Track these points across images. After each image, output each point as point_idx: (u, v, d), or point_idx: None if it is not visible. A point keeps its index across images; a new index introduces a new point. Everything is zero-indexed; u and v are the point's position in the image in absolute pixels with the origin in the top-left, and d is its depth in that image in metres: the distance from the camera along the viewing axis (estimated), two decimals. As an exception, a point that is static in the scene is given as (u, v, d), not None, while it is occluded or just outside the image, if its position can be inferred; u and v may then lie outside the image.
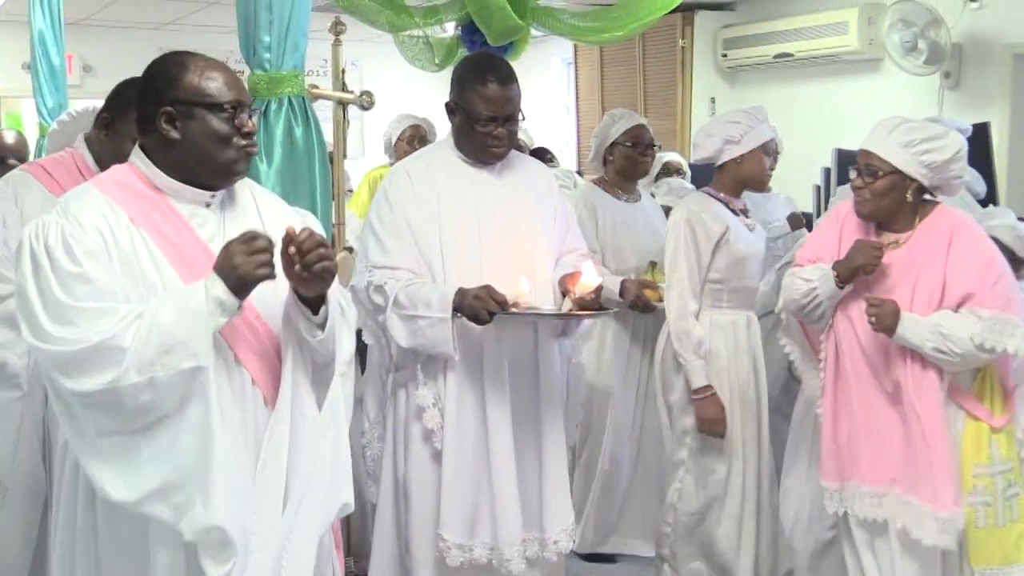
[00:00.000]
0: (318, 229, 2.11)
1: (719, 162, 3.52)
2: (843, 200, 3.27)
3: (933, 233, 2.91)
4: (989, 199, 5.95)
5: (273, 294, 2.06)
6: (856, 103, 7.05)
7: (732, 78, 8.21)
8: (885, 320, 2.78)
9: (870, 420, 2.91)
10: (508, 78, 2.88)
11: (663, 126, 8.11)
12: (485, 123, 2.84)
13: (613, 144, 4.26)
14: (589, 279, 2.74)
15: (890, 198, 2.90)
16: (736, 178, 3.53)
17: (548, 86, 10.13)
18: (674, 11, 7.84)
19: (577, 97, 9.41)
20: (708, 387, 3.42)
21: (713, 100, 8.25)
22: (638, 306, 3.81)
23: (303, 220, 2.22)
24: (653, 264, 3.89)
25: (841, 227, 3.07)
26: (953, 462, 2.80)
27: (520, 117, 2.90)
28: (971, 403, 2.84)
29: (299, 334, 2.08)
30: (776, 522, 3.49)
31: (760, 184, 3.59)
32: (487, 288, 2.68)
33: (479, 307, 2.68)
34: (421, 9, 7.02)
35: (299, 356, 2.09)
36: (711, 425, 3.44)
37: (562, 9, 7.24)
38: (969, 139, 5.86)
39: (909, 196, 2.89)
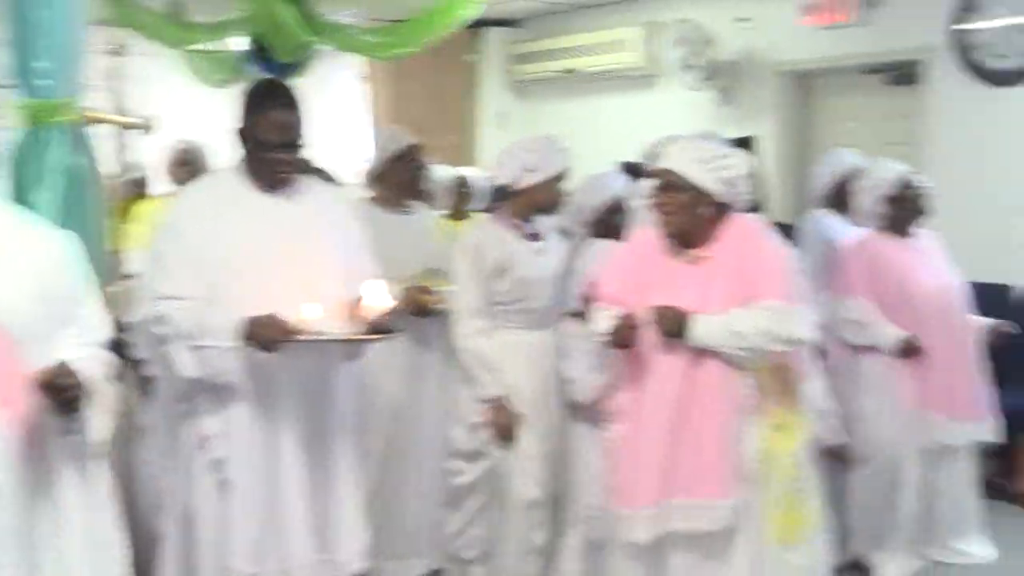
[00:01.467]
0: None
1: (516, 188, 3.58)
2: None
3: (733, 242, 3.04)
4: (758, 207, 6.33)
5: None
6: (638, 116, 7.36)
7: (521, 93, 8.42)
8: (668, 324, 2.90)
9: (662, 433, 3.02)
10: (291, 104, 2.89)
11: (455, 141, 8.24)
12: (270, 149, 2.84)
13: (389, 160, 4.28)
14: (373, 301, 2.78)
15: (690, 213, 3.01)
16: (529, 203, 3.61)
17: (342, 102, 10.06)
18: (464, 27, 8.03)
19: (375, 111, 9.39)
20: (499, 397, 3.52)
21: (503, 115, 8.43)
22: (415, 311, 3.85)
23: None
24: (430, 271, 3.91)
25: (640, 255, 3.17)
26: (732, 455, 2.95)
27: (300, 142, 2.90)
28: (757, 398, 3.00)
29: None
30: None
31: (553, 209, 3.69)
32: (272, 316, 2.68)
33: (264, 335, 2.69)
34: (207, 25, 6.90)
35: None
36: (501, 432, 3.53)
37: (352, 25, 7.26)
38: (739, 149, 6.24)
39: (706, 211, 3.01)
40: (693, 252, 3.05)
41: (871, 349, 4.23)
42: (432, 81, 8.71)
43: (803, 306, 3.04)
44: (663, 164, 3.06)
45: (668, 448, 2.98)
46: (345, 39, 7.18)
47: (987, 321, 4.34)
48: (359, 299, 2.83)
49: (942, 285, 4.26)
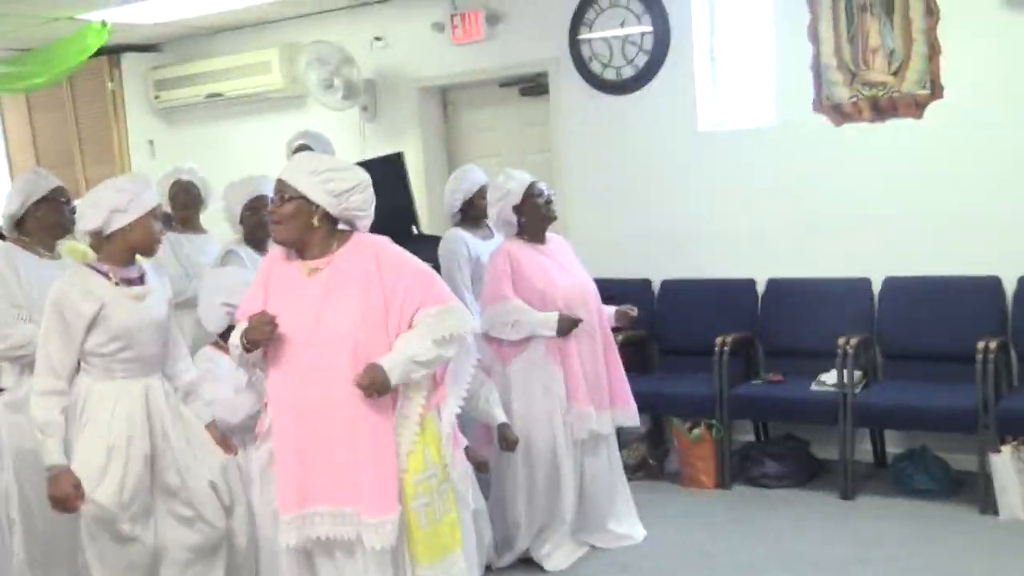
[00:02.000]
0: None
1: (107, 232, 3.45)
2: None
3: (355, 255, 3.11)
4: (408, 221, 6.50)
5: None
6: (287, 138, 7.34)
7: (168, 119, 8.19)
8: (379, 387, 2.96)
9: (319, 447, 3.07)
10: None
11: (101, 172, 7.90)
12: None
13: (34, 204, 4.08)
14: None
15: (299, 222, 3.08)
16: (125, 246, 3.49)
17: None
18: (99, 54, 7.73)
19: (7, 145, 8.85)
20: (58, 466, 3.33)
21: (152, 142, 8.18)
22: None
23: None
24: None
25: (268, 274, 3.22)
26: (390, 470, 3.04)
27: None
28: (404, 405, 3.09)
29: None
30: None
31: (150, 249, 3.57)
32: None
33: None
34: None
35: None
36: (60, 503, 3.34)
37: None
38: (384, 167, 6.37)
39: (316, 222, 3.08)
40: (309, 263, 3.13)
41: (522, 352, 4.46)
42: (72, 111, 8.32)
43: (456, 301, 3.17)
44: (278, 175, 3.15)
45: (305, 458, 3.07)
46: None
47: (612, 308, 4.67)
48: None
49: (577, 285, 4.53)
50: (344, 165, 3.19)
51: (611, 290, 5.29)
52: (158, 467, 3.46)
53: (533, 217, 4.54)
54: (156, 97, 7.98)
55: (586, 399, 4.44)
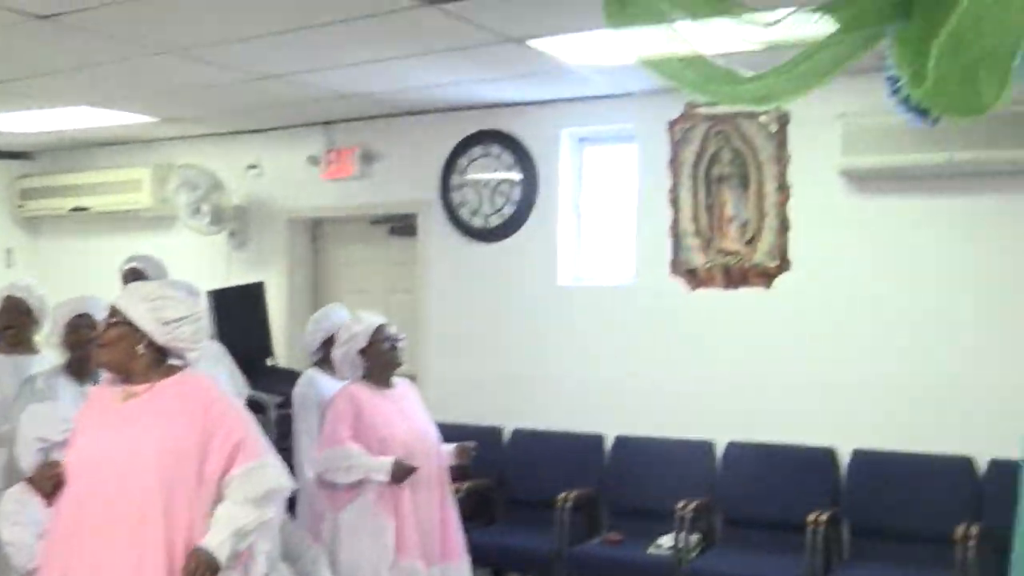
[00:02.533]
0: None
1: None
2: None
3: (180, 390, 3.02)
4: (263, 351, 6.39)
5: None
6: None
7: (32, 229, 7.99)
8: (210, 570, 2.85)
9: None
10: None
11: (-44, 277, 7.63)
12: None
13: None
14: None
15: (122, 347, 3.00)
16: None
17: None
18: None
19: None
20: None
21: (10, 251, 7.94)
22: None
23: None
24: None
25: (96, 395, 3.12)
26: None
27: None
28: None
29: None
30: None
31: None
32: None
33: None
34: None
35: None
36: None
37: None
38: (244, 295, 6.27)
39: (141, 349, 2.99)
40: (129, 388, 3.02)
41: (354, 500, 4.32)
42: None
43: (270, 456, 3.07)
44: (112, 300, 3.07)
45: None
46: None
47: (451, 446, 4.57)
48: None
49: (418, 432, 4.42)
50: (180, 296, 3.11)
51: (460, 436, 5.23)
52: None
53: (378, 361, 4.46)
54: (20, 206, 7.79)
55: (415, 552, 4.28)
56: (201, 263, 7.10)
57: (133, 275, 5.34)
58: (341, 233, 7.06)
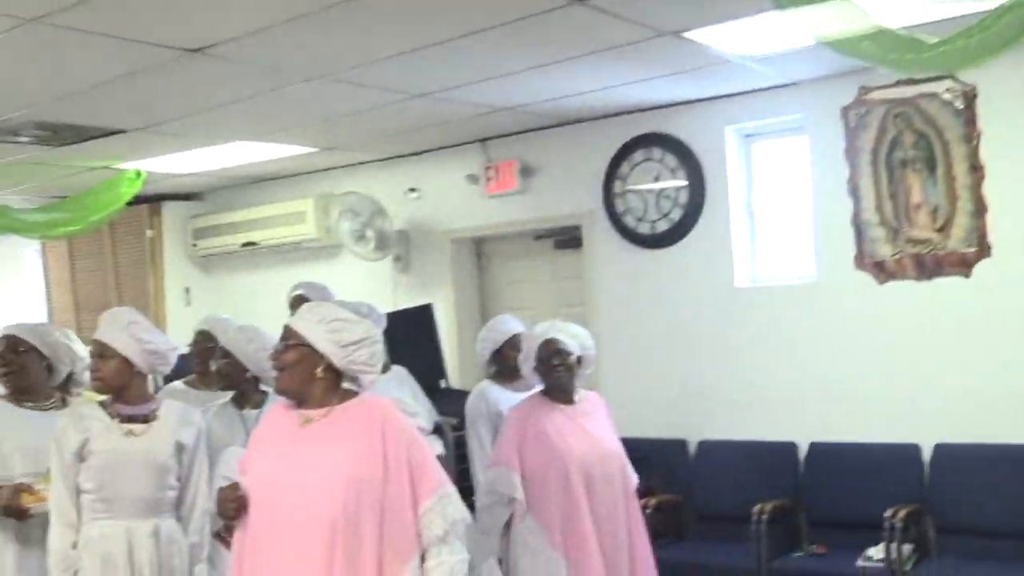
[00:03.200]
0: None
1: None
2: None
3: (358, 414, 2.93)
4: (437, 374, 6.33)
5: None
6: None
7: (205, 267, 8.20)
8: None
9: None
10: None
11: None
12: None
13: None
14: None
15: (299, 370, 2.92)
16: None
17: (19, 278, 9.49)
18: (140, 201, 7.80)
19: (47, 289, 8.90)
20: None
21: (188, 290, 8.16)
22: (11, 512, 3.58)
23: None
24: (49, 471, 3.66)
25: (271, 420, 3.06)
26: None
27: None
28: None
29: None
30: None
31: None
32: None
33: None
34: None
35: None
36: None
37: (5, 205, 6.87)
38: (413, 318, 6.22)
39: (319, 372, 2.91)
40: (306, 412, 2.94)
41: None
42: (111, 256, 8.36)
43: (449, 485, 2.96)
44: (287, 322, 2.99)
45: None
46: (8, 221, 6.81)
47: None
48: None
49: (599, 452, 4.15)
50: (354, 317, 3.01)
51: (644, 450, 5.08)
52: None
53: (544, 376, 4.31)
54: (194, 245, 8.01)
55: None
56: (368, 289, 7.12)
57: (300, 303, 5.36)
58: (505, 250, 6.97)
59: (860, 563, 4.76)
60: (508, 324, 4.93)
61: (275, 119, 5.70)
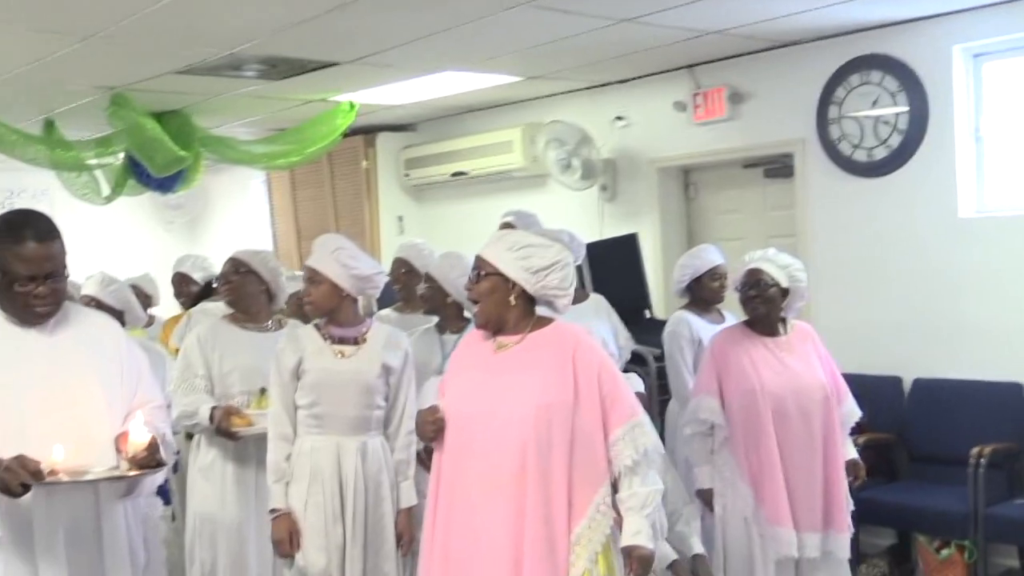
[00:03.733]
0: None
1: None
2: None
3: (552, 339, 2.95)
4: (640, 304, 6.29)
5: None
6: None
7: (417, 196, 8.40)
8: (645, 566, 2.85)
9: (475, 532, 2.91)
10: (46, 235, 2.77)
11: (358, 244, 8.18)
12: (24, 282, 2.73)
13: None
14: (137, 436, 2.68)
15: (494, 299, 2.93)
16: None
17: (247, 207, 10.04)
18: (356, 133, 8.06)
19: (272, 217, 9.35)
20: (276, 509, 3.57)
21: (401, 218, 8.39)
22: (222, 433, 3.81)
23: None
24: (263, 390, 3.86)
25: (467, 344, 3.13)
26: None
27: (60, 273, 2.78)
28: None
29: None
30: None
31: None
32: (18, 459, 2.54)
33: (9, 479, 2.54)
34: (89, 142, 6.85)
35: None
36: (276, 546, 3.58)
37: (232, 138, 7.23)
38: (618, 248, 6.20)
39: (512, 300, 2.92)
40: (501, 339, 2.98)
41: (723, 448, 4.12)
42: (330, 186, 8.69)
43: (642, 414, 2.95)
44: (478, 252, 3.01)
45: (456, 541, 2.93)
46: (228, 151, 7.16)
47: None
48: (123, 433, 2.72)
49: (793, 386, 4.04)
50: (543, 242, 3.00)
51: (856, 386, 4.86)
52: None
53: (744, 306, 4.17)
54: (406, 175, 8.21)
55: (784, 518, 3.96)
56: (574, 219, 7.12)
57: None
58: (713, 179, 6.81)
59: (1088, 513, 4.48)
60: (710, 254, 4.86)
61: (481, 48, 5.73)
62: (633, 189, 6.96)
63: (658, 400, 5.28)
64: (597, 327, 4.60)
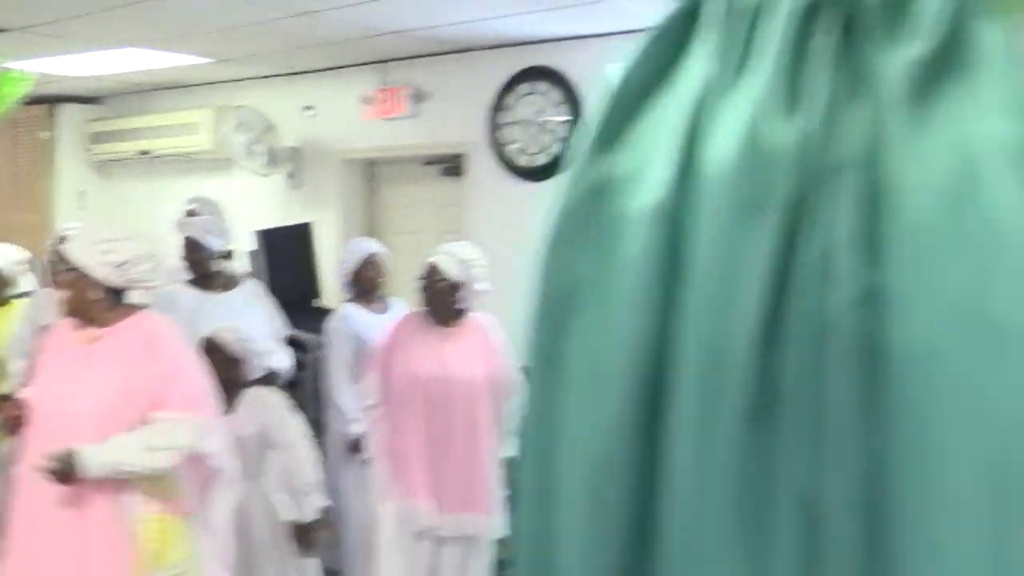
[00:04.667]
0: None
1: None
2: None
3: (132, 332, 3.07)
4: (310, 294, 6.43)
5: None
6: (216, 199, 7.30)
7: (102, 172, 8.17)
8: (67, 476, 2.88)
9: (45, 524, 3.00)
10: None
11: (30, 220, 7.87)
12: None
13: None
14: None
15: (76, 292, 3.07)
16: None
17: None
18: (37, 102, 7.72)
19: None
20: None
21: (83, 193, 8.14)
22: None
23: None
24: None
25: (51, 340, 3.23)
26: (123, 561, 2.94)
27: None
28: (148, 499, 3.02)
29: None
30: None
31: None
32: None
33: None
34: None
35: None
36: None
37: None
38: (292, 236, 6.30)
39: (97, 293, 3.06)
40: (90, 331, 3.09)
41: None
42: (8, 156, 8.29)
43: (199, 413, 3.10)
44: (64, 247, 3.13)
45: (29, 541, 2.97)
46: None
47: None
48: None
49: (447, 376, 4.24)
50: (127, 235, 3.16)
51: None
52: None
53: (420, 294, 4.43)
54: (91, 150, 7.97)
55: (421, 492, 4.20)
56: (260, 205, 7.19)
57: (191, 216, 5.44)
58: (395, 174, 7.05)
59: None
60: (363, 244, 5.07)
61: (174, 27, 5.69)
62: (318, 178, 7.08)
63: (314, 388, 5.41)
64: (246, 313, 4.69)
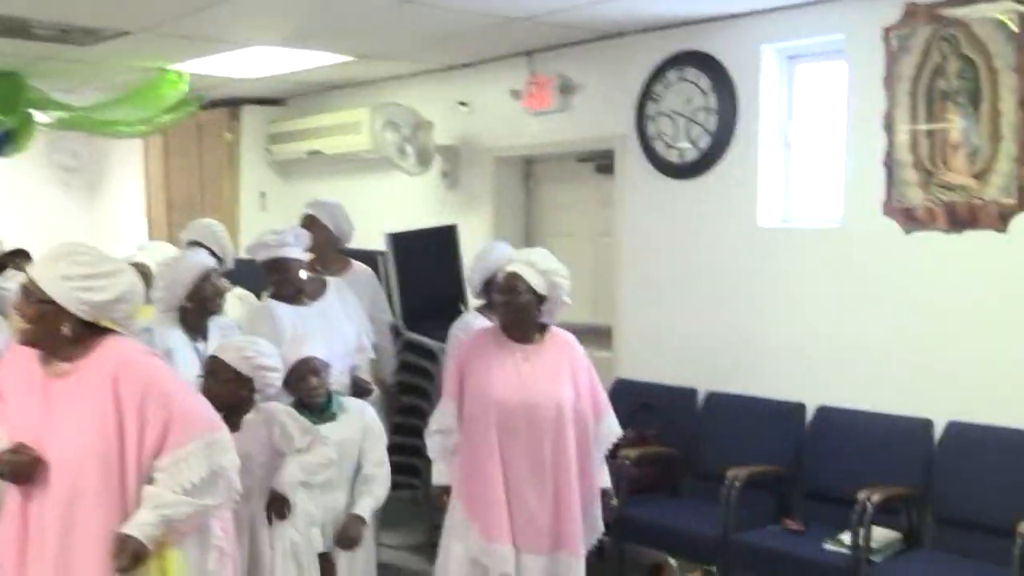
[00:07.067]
0: None
1: None
2: None
3: (100, 364, 2.70)
4: (455, 297, 6.06)
5: None
6: (377, 199, 7.12)
7: (281, 172, 8.18)
8: (137, 558, 2.63)
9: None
10: None
11: (217, 219, 7.98)
12: None
13: None
14: None
15: (43, 326, 2.71)
16: None
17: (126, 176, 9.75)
18: (222, 105, 7.84)
19: (147, 185, 9.11)
20: None
21: (263, 194, 8.16)
22: None
23: None
24: None
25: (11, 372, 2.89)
26: None
27: None
28: None
29: None
30: None
31: None
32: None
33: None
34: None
35: None
36: None
37: (67, 104, 6.98)
38: (434, 239, 5.97)
39: (66, 329, 2.70)
40: (57, 366, 2.76)
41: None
42: (196, 158, 8.46)
43: (210, 433, 2.77)
44: (28, 270, 2.78)
45: None
46: (61, 114, 6.96)
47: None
48: None
49: (529, 399, 3.79)
50: (110, 269, 2.75)
51: (652, 397, 5.10)
52: None
53: (494, 308, 4.04)
54: (268, 150, 7.98)
55: (504, 536, 3.76)
56: (416, 204, 6.92)
57: (310, 223, 5.18)
58: (551, 172, 6.56)
59: (828, 546, 4.24)
60: (498, 253, 4.61)
61: (290, 23, 5.50)
62: (473, 177, 6.71)
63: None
64: (352, 301, 4.75)
